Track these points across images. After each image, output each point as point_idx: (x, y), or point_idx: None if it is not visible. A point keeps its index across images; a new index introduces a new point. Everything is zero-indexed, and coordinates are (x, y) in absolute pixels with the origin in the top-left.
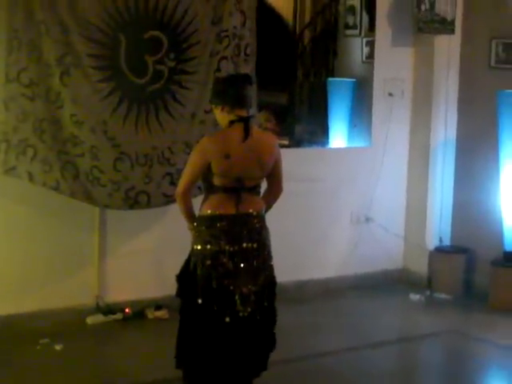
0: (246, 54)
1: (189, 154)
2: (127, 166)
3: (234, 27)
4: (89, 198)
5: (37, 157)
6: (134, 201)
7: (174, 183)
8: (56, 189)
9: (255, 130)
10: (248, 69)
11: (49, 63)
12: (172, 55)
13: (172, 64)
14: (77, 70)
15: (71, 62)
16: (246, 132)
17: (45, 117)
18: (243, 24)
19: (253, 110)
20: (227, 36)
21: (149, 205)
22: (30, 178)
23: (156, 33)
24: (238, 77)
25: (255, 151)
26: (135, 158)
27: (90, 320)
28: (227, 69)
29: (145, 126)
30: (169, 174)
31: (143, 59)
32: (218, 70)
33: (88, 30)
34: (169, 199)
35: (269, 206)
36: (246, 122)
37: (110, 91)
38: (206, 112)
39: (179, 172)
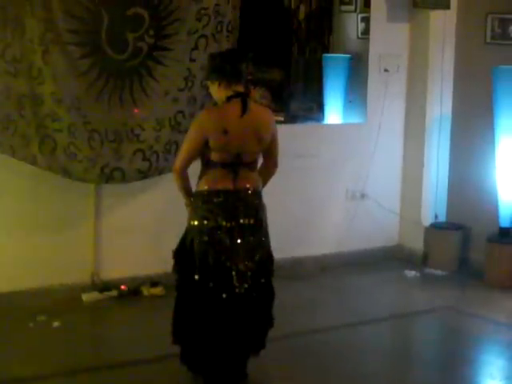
0: (228, 30)
1: (159, 131)
2: (98, 142)
3: (217, 4)
4: (65, 172)
5: (17, 131)
6: (109, 176)
7: (146, 159)
8: (33, 163)
9: (252, 105)
10: (229, 46)
11: (32, 40)
12: (152, 32)
13: (151, 41)
14: (56, 46)
15: (51, 39)
16: (244, 107)
17: (26, 93)
18: (227, 1)
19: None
20: (207, 14)
21: (124, 180)
22: (13, 152)
23: (139, 9)
24: (234, 52)
25: (253, 126)
26: (105, 135)
27: (85, 297)
28: (207, 47)
29: (118, 102)
30: (140, 150)
31: (124, 36)
32: (196, 48)
33: (70, 5)
34: (143, 175)
35: (264, 182)
36: (243, 97)
37: (88, 68)
38: (180, 90)
39: (151, 149)
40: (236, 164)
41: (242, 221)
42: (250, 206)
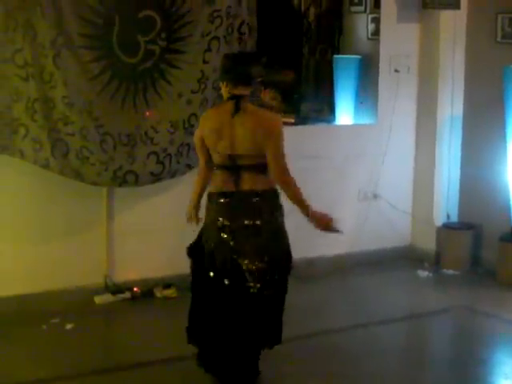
0: (240, 32)
1: (173, 133)
2: (111, 146)
3: (229, 6)
4: (78, 176)
5: (28, 135)
6: (122, 180)
7: (160, 162)
8: (46, 166)
9: (251, 107)
10: (241, 47)
11: (43, 44)
12: (164, 35)
13: (164, 44)
14: (68, 50)
15: (63, 43)
16: (237, 108)
17: (38, 97)
18: (239, 2)
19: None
20: (219, 16)
21: (137, 183)
22: (22, 155)
23: (150, 12)
24: (246, 54)
25: (245, 128)
26: (118, 138)
27: (98, 299)
28: (219, 48)
29: (131, 105)
30: (153, 153)
31: (136, 39)
32: (209, 50)
33: (82, 9)
34: (156, 178)
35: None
36: (237, 98)
37: (100, 71)
38: (193, 92)
39: (165, 151)
40: (236, 167)
41: (246, 222)
42: (253, 208)
